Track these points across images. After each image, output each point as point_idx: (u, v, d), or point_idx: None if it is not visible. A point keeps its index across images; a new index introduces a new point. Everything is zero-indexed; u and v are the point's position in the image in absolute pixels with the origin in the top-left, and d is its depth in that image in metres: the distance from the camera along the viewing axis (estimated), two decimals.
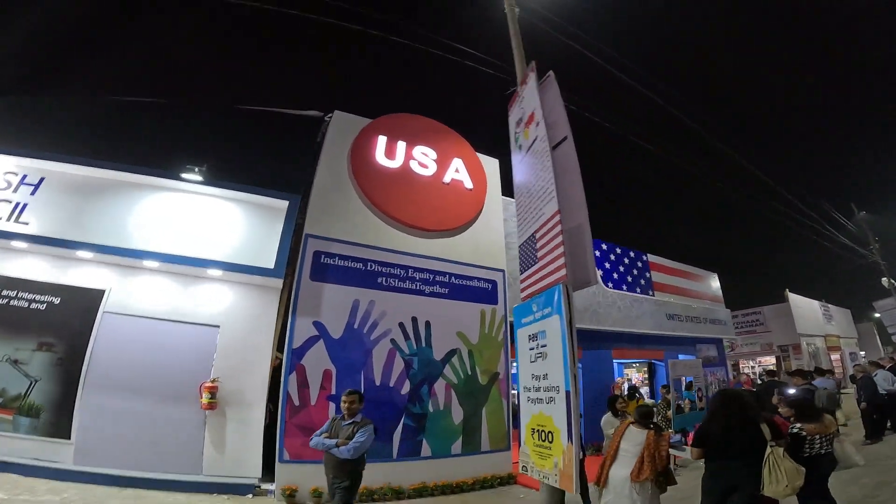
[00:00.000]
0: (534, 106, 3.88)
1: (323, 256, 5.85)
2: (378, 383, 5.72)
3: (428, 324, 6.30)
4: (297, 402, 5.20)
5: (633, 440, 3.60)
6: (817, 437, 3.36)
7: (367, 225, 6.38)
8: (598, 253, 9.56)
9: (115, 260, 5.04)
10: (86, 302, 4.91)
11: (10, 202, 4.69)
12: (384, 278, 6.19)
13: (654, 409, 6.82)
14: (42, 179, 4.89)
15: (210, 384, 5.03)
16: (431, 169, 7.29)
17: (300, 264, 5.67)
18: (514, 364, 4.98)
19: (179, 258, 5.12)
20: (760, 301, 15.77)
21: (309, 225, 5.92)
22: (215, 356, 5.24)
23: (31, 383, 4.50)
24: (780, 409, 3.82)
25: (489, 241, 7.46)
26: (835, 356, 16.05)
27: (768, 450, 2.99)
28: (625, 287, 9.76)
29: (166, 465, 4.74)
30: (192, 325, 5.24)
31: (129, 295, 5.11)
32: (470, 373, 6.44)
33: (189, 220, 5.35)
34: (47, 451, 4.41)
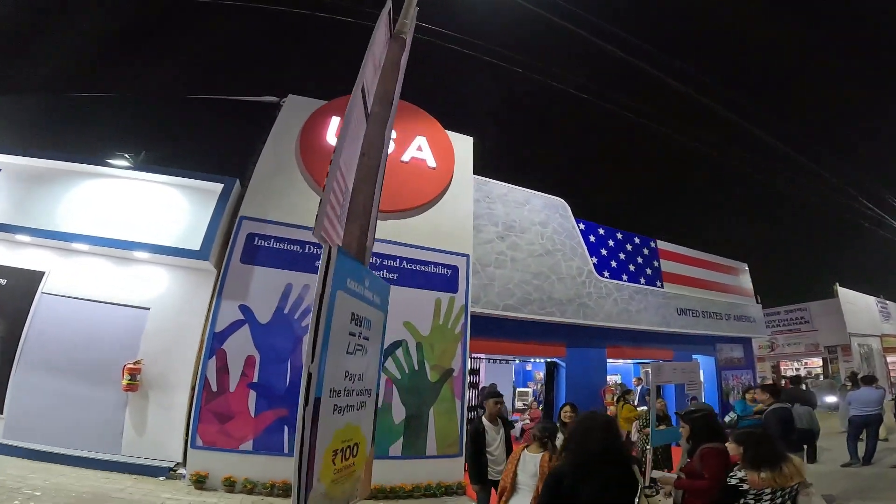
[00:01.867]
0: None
1: (256, 238, 5.65)
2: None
3: None
4: (214, 388, 5.02)
5: (528, 468, 2.92)
6: (767, 491, 2.39)
7: (310, 206, 6.08)
8: (592, 238, 8.60)
9: (52, 243, 5.18)
10: (26, 283, 5.10)
11: None
12: (320, 261, 5.87)
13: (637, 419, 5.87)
14: None
15: (132, 366, 5.00)
16: (389, 147, 6.84)
17: (231, 246, 5.50)
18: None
19: (107, 241, 5.15)
20: (806, 296, 13.55)
21: (245, 207, 5.75)
22: (142, 338, 5.22)
23: None
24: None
25: (454, 222, 6.90)
26: (892, 359, 13.37)
27: (635, 501, 2.16)
28: (625, 277, 8.69)
29: (87, 444, 4.78)
30: (124, 307, 5.26)
31: (67, 277, 5.24)
32: (417, 368, 5.95)
33: (123, 204, 5.39)
34: None
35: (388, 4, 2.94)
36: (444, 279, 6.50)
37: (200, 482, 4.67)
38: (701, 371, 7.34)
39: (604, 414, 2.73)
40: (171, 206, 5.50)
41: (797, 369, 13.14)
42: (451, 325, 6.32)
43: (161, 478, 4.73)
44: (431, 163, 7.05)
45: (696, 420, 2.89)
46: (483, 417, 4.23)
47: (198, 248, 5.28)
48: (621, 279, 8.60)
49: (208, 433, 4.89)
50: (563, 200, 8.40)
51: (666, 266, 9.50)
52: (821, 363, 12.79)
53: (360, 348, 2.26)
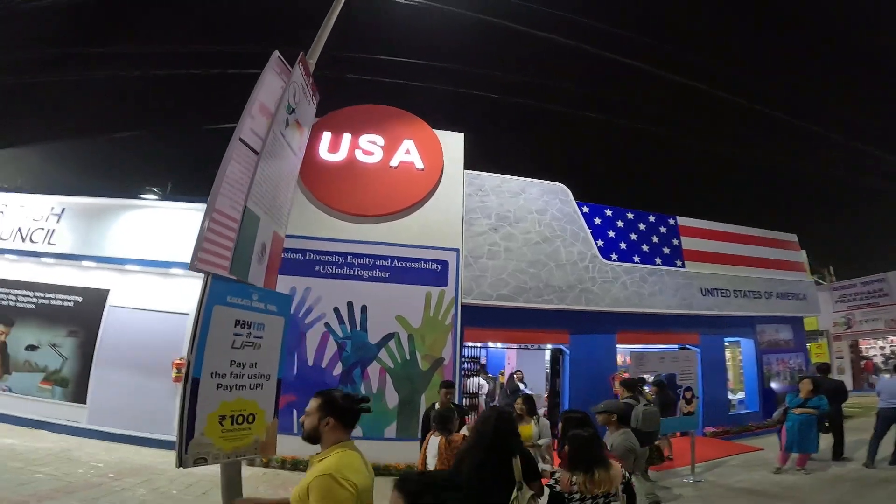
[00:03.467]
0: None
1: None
2: (310, 364, 6.22)
3: (364, 308, 6.52)
4: None
5: (432, 451, 3.20)
6: (577, 496, 2.29)
7: (309, 219, 6.84)
8: (598, 221, 8.34)
9: (109, 266, 6.54)
10: (96, 299, 6.51)
11: (45, 229, 6.49)
12: (321, 266, 6.60)
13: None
14: (63, 210, 6.62)
15: (178, 361, 6.18)
16: (378, 155, 7.36)
17: None
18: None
19: (151, 262, 6.38)
20: (887, 265, 11.44)
21: None
22: (185, 339, 6.39)
23: (63, 361, 6.24)
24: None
25: (443, 219, 7.25)
26: None
27: (514, 494, 2.32)
28: (637, 258, 8.32)
29: (148, 427, 6.03)
30: (169, 314, 6.47)
31: (125, 292, 6.57)
32: (409, 357, 6.48)
33: (159, 230, 6.56)
34: (72, 413, 6.09)
35: (276, 53, 3.42)
36: (433, 274, 6.90)
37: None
38: (698, 360, 6.95)
39: (506, 409, 2.93)
40: (196, 228, 6.58)
41: (882, 348, 11.31)
42: (442, 317, 6.73)
43: None
44: (419, 164, 7.41)
45: (569, 420, 3.03)
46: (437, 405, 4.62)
47: None
48: (632, 261, 8.25)
49: None
50: (563, 185, 8.25)
51: (689, 244, 8.85)
52: (893, 340, 10.89)
53: (251, 344, 2.98)
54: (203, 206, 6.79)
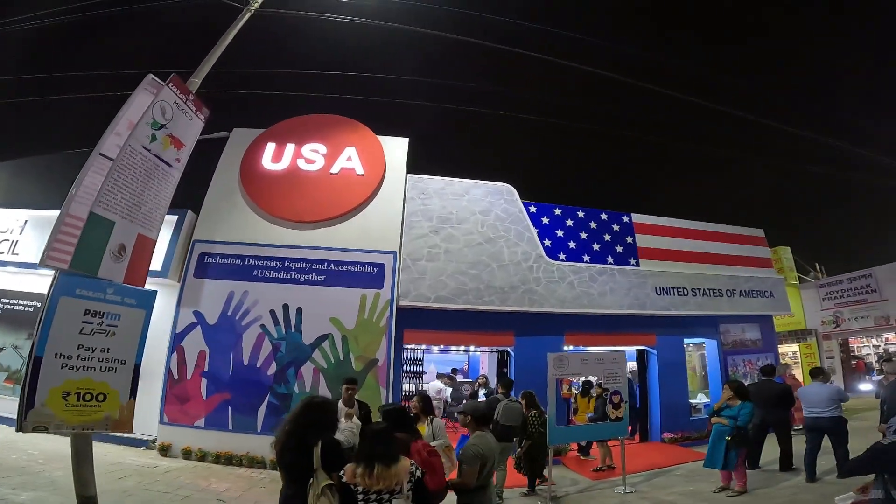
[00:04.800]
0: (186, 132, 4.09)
1: (206, 257, 6.88)
2: (246, 363, 6.47)
3: (299, 310, 6.74)
4: (176, 377, 6.35)
5: None
6: (360, 489, 2.26)
7: (250, 226, 7.16)
8: (546, 220, 8.32)
9: None
10: None
11: (10, 240, 7.06)
12: (259, 270, 6.88)
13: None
14: (26, 221, 7.18)
15: None
16: (319, 163, 7.64)
17: (186, 265, 6.81)
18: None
19: None
20: (874, 259, 10.73)
21: (197, 232, 7.03)
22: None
23: (23, 361, 6.72)
24: None
25: (382, 223, 7.43)
26: None
27: (311, 480, 2.36)
28: (586, 258, 8.23)
29: None
30: None
31: None
32: (342, 358, 6.64)
33: None
34: None
35: (150, 75, 3.75)
36: (369, 277, 7.07)
37: (164, 451, 6.01)
38: (627, 362, 6.76)
39: (321, 399, 2.97)
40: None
41: (876, 346, 10.60)
42: (377, 319, 6.87)
43: (142, 448, 6.18)
44: (360, 170, 7.65)
45: (387, 413, 3.12)
46: (340, 402, 4.74)
47: (159, 268, 6.66)
48: (582, 260, 8.16)
49: (171, 412, 6.23)
50: (509, 185, 8.29)
51: (645, 241, 8.68)
52: (893, 338, 10.14)
53: (103, 332, 3.28)
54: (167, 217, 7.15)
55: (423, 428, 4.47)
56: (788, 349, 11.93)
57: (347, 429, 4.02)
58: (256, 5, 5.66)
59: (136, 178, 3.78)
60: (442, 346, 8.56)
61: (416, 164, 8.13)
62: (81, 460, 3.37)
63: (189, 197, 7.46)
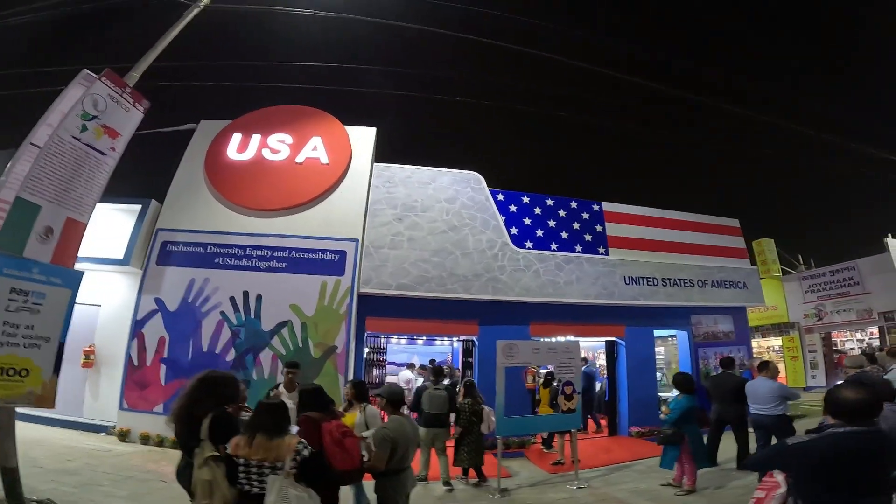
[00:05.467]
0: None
1: (168, 245, 6.97)
2: (205, 350, 6.54)
3: (259, 297, 6.80)
4: (136, 363, 6.43)
5: None
6: (241, 460, 2.33)
7: (213, 214, 7.23)
8: (513, 208, 8.28)
9: None
10: None
11: None
12: (220, 258, 6.95)
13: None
14: None
15: (87, 349, 6.70)
16: (284, 153, 7.71)
17: (149, 253, 6.91)
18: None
19: None
20: (858, 252, 10.45)
21: (161, 221, 7.12)
22: (97, 328, 6.90)
23: None
24: None
25: (346, 210, 7.47)
26: None
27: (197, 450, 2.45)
28: (554, 246, 8.18)
29: (62, 409, 6.52)
30: (80, 305, 6.97)
31: None
32: (301, 345, 6.68)
33: None
34: None
35: (84, 70, 3.89)
36: (331, 264, 7.10)
37: (123, 436, 6.10)
38: (583, 352, 6.65)
39: (215, 375, 2.93)
40: (109, 226, 7.10)
41: (860, 341, 10.32)
42: (336, 306, 6.90)
43: (103, 434, 6.28)
44: (324, 159, 7.69)
45: (304, 393, 3.18)
46: (281, 385, 4.78)
47: (122, 256, 6.77)
48: (549, 248, 8.11)
49: (131, 398, 6.32)
50: (476, 174, 8.27)
51: (615, 230, 8.60)
52: (877, 333, 9.87)
53: (28, 309, 3.36)
54: (115, 206, 7.27)
55: (354, 415, 4.42)
56: (772, 343, 11.72)
57: None
58: (206, 1, 5.74)
59: (65, 166, 3.94)
60: (411, 335, 8.55)
61: (392, 154, 8.28)
62: (4, 433, 3.45)
63: (156, 187, 7.59)
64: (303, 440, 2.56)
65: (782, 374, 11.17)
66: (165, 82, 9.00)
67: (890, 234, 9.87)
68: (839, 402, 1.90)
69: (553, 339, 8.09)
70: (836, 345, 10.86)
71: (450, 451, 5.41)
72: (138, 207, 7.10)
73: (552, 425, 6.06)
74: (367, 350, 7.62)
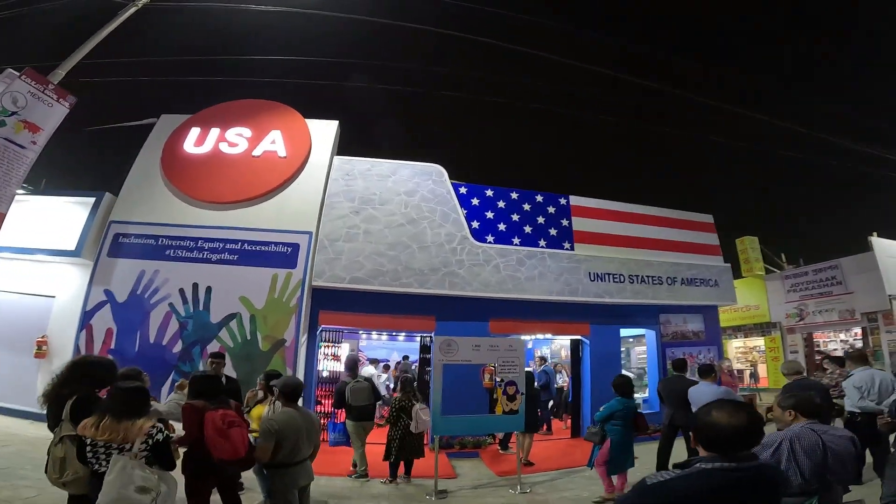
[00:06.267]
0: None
1: (120, 237, 6.97)
2: (152, 341, 6.51)
3: (209, 289, 6.75)
4: (83, 354, 6.43)
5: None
6: (90, 441, 2.40)
7: (166, 207, 7.22)
8: (476, 201, 8.12)
9: None
10: None
11: None
12: (172, 250, 6.92)
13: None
14: None
15: (39, 339, 6.72)
16: (242, 146, 7.68)
17: (101, 244, 6.91)
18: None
19: (18, 249, 6.91)
20: (842, 251, 9.99)
21: (114, 213, 7.13)
22: (50, 319, 6.92)
23: None
24: None
25: (302, 203, 7.41)
26: None
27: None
28: (516, 240, 7.99)
29: (15, 399, 6.57)
30: (35, 297, 7.04)
31: None
32: (249, 337, 6.62)
33: (30, 221, 7.02)
34: None
35: (8, 69, 3.91)
36: (283, 256, 7.03)
37: None
38: (527, 350, 6.42)
39: (94, 357, 3.06)
40: (63, 218, 7.13)
41: (844, 341, 9.87)
42: (287, 299, 6.82)
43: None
44: (282, 153, 7.65)
45: (194, 380, 3.21)
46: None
47: (73, 248, 6.79)
48: (511, 243, 7.93)
49: None
50: (438, 166, 8.14)
51: (582, 225, 8.39)
52: (860, 334, 9.42)
53: None
54: (69, 199, 7.29)
55: (262, 408, 4.32)
56: (757, 343, 11.33)
57: (173, 399, 3.96)
58: (145, 0, 5.73)
59: None
60: (364, 329, 8.41)
61: (363, 148, 8.13)
62: None
63: (116, 181, 7.59)
64: (158, 425, 2.58)
65: (763, 375, 10.84)
66: (133, 77, 9.05)
67: (875, 233, 9.46)
68: (707, 429, 1.46)
69: (511, 336, 7.88)
70: (818, 346, 10.45)
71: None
72: (91, 200, 7.12)
73: (492, 427, 5.88)
74: (323, 344, 7.49)
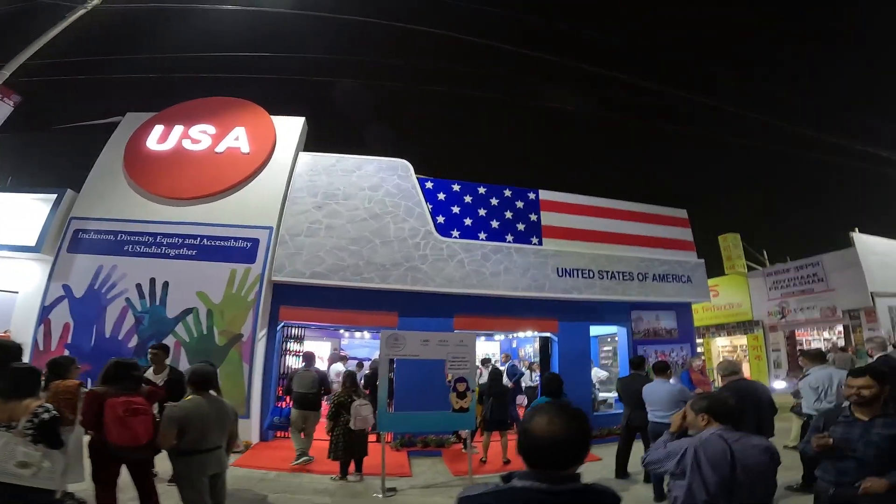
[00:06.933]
0: None
1: (80, 233, 6.99)
2: (108, 336, 6.51)
3: (166, 284, 6.74)
4: (41, 348, 6.44)
5: None
6: None
7: (127, 203, 7.22)
8: (442, 196, 8.01)
9: None
10: None
11: None
12: (130, 245, 6.93)
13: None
14: None
15: (3, 334, 6.73)
16: (206, 143, 7.69)
17: (61, 240, 6.94)
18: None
19: None
20: (825, 247, 9.67)
21: (75, 209, 7.16)
22: (13, 314, 6.95)
23: None
24: None
25: (264, 198, 7.39)
26: None
27: None
28: (483, 235, 7.87)
29: None
30: (1, 293, 7.07)
31: None
32: (206, 332, 6.58)
33: None
34: None
35: None
36: (242, 251, 6.99)
37: None
38: (513, 349, 6.23)
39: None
40: (25, 215, 7.17)
41: (828, 340, 9.52)
42: (244, 294, 6.78)
43: None
44: (245, 149, 7.64)
45: (107, 367, 3.29)
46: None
47: (34, 244, 6.83)
48: (477, 237, 7.80)
49: None
50: (405, 161, 8.06)
51: (552, 219, 8.23)
52: (842, 332, 9.07)
53: None
54: (32, 196, 7.31)
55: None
56: (742, 341, 11.04)
57: None
58: (96, 2, 5.75)
59: None
60: (327, 326, 8.34)
61: (352, 148, 8.12)
62: None
63: (77, 177, 7.62)
64: (46, 405, 2.61)
65: (746, 373, 10.52)
66: (104, 76, 9.13)
67: (857, 228, 9.14)
68: (522, 437, 1.24)
69: (483, 333, 7.75)
70: (801, 344, 10.14)
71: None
72: (54, 196, 7.16)
73: (440, 425, 5.75)
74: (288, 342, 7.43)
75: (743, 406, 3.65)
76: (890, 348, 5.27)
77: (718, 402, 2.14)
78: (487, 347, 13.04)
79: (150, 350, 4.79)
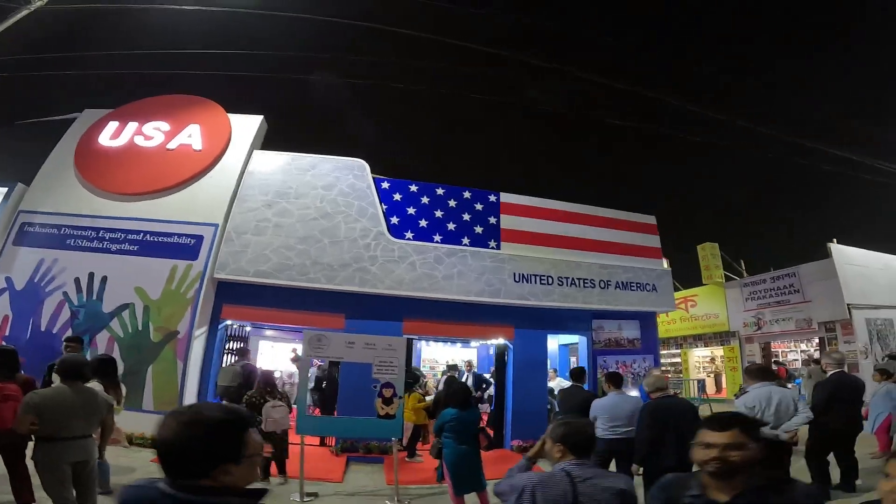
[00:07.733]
0: None
1: (26, 226, 6.94)
2: (43, 329, 6.41)
3: (104, 279, 6.63)
4: None
5: None
6: None
7: (74, 198, 7.16)
8: (398, 196, 7.81)
9: None
10: None
11: None
12: (72, 240, 6.85)
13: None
14: None
15: None
16: (158, 140, 7.62)
17: (8, 233, 6.91)
18: None
19: None
20: (803, 258, 9.18)
21: (24, 203, 7.13)
22: None
23: None
24: None
25: (212, 195, 7.27)
26: None
27: None
28: (437, 237, 7.63)
29: None
30: None
31: None
32: (141, 328, 6.45)
33: None
34: None
35: None
36: (185, 248, 6.87)
37: None
38: (404, 349, 5.86)
39: None
40: None
41: (804, 351, 8.99)
42: (184, 291, 6.64)
43: None
44: (197, 146, 7.56)
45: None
46: None
47: None
48: (431, 240, 7.57)
49: None
50: (361, 161, 7.90)
51: (512, 223, 7.96)
52: (818, 344, 8.54)
53: None
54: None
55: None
56: (717, 352, 10.55)
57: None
58: (39, 3, 5.72)
59: None
60: (269, 325, 8.15)
61: (318, 148, 7.97)
62: None
63: (31, 172, 7.60)
64: None
65: (723, 386, 10.07)
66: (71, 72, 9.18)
67: (835, 239, 8.67)
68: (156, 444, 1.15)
69: (430, 337, 7.49)
70: (777, 356, 9.62)
71: None
72: (4, 190, 7.15)
73: (362, 431, 5.48)
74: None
75: (663, 430, 3.36)
76: (846, 367, 4.84)
77: (576, 430, 1.82)
78: (464, 354, 12.71)
79: (64, 342, 4.65)
